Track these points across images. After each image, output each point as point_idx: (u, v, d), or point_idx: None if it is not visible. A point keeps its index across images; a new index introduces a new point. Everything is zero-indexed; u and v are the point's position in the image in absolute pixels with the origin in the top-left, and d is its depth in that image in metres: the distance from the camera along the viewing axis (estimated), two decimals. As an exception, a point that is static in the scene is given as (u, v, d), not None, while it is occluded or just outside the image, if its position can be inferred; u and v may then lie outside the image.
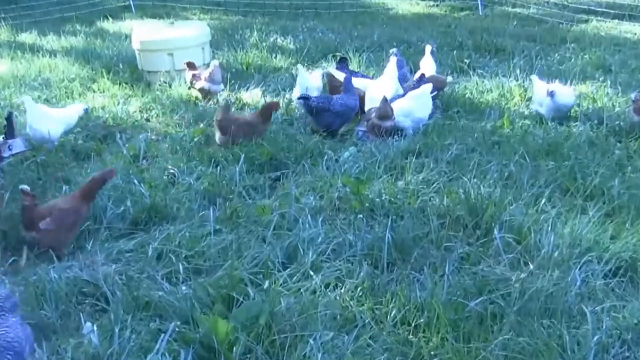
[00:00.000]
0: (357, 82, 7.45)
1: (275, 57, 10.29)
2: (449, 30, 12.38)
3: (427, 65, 8.46)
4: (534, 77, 7.69)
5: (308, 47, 10.66)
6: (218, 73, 8.25)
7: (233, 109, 7.28)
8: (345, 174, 5.69)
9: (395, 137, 6.68)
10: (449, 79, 8.41)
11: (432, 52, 8.74)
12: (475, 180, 5.42)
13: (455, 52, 10.31)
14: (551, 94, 7.17)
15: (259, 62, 10.04)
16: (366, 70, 9.37)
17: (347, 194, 5.32)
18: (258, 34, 11.74)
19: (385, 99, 6.79)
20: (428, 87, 7.05)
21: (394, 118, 6.77)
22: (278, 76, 9.25)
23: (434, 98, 7.29)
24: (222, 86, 8.37)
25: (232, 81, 8.81)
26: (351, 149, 6.46)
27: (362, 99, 7.28)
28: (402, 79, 7.88)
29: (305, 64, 9.81)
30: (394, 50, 8.58)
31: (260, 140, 6.45)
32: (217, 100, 8.27)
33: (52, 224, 4.59)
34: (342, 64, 8.32)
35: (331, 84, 7.79)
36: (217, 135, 6.65)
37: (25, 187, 4.65)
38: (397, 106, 6.87)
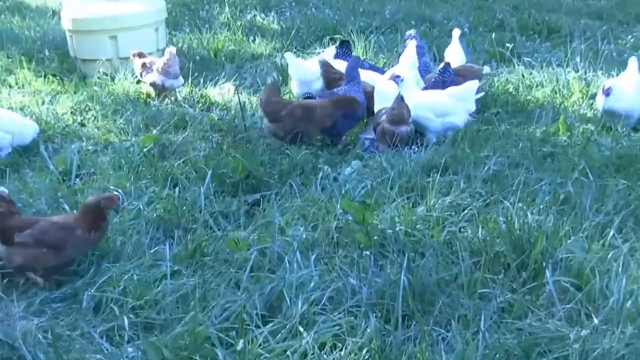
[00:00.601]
0: (363, 75, 7.52)
1: (254, 41, 10.42)
2: (485, 5, 12.51)
3: (454, 54, 8.63)
4: (633, 61, 7.66)
5: (297, 27, 10.81)
6: (176, 63, 8.31)
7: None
8: (347, 196, 5.73)
9: (413, 147, 6.77)
10: (486, 69, 8.44)
11: (460, 38, 8.87)
12: (520, 204, 5.45)
13: (493, 34, 10.41)
14: (607, 92, 7.21)
15: (232, 47, 10.16)
16: (375, 58, 9.49)
17: (348, 223, 5.35)
18: (230, 9, 11.85)
19: (400, 97, 6.83)
20: (473, 85, 7.16)
21: (412, 122, 6.87)
22: (257, 66, 9.36)
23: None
24: (181, 80, 8.49)
25: (196, 73, 8.89)
26: (354, 163, 6.52)
27: (369, 97, 7.37)
28: (423, 71, 7.98)
29: (294, 50, 9.85)
30: (412, 31, 8.67)
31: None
32: (176, 99, 8.33)
33: (30, 237, 4.72)
34: (344, 49, 8.40)
35: (328, 76, 7.88)
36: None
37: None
38: (429, 99, 7.04)
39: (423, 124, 6.94)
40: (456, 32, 8.92)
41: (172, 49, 8.43)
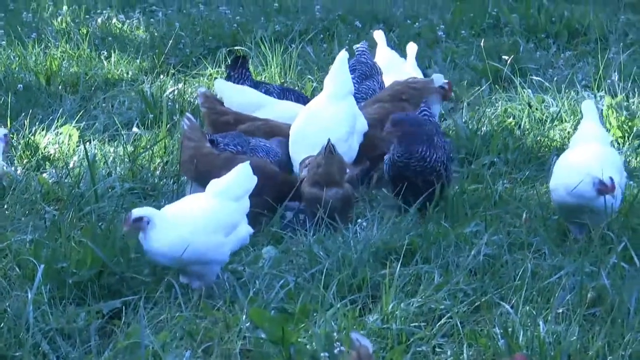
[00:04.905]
0: (279, 107, 7.79)
1: (108, 58, 10.51)
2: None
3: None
4: None
5: (176, 34, 10.94)
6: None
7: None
8: (257, 301, 5.86)
9: (360, 220, 7.00)
10: (437, 79, 8.55)
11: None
12: (528, 308, 5.68)
13: (483, 39, 10.57)
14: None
15: (74, 68, 10.21)
16: (298, 82, 9.73)
17: (260, 344, 5.47)
18: (71, 9, 11.96)
19: (330, 145, 7.06)
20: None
21: (354, 177, 7.09)
22: (113, 98, 9.50)
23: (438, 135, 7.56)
24: None
25: (16, 112, 8.89)
26: (267, 251, 6.71)
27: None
28: (368, 95, 8.22)
29: (172, 72, 10.05)
30: (362, 44, 8.89)
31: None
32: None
33: None
34: (239, 69, 8.64)
35: (212, 114, 8.14)
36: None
37: None
38: None
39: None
40: (411, 47, 9.20)
41: None
